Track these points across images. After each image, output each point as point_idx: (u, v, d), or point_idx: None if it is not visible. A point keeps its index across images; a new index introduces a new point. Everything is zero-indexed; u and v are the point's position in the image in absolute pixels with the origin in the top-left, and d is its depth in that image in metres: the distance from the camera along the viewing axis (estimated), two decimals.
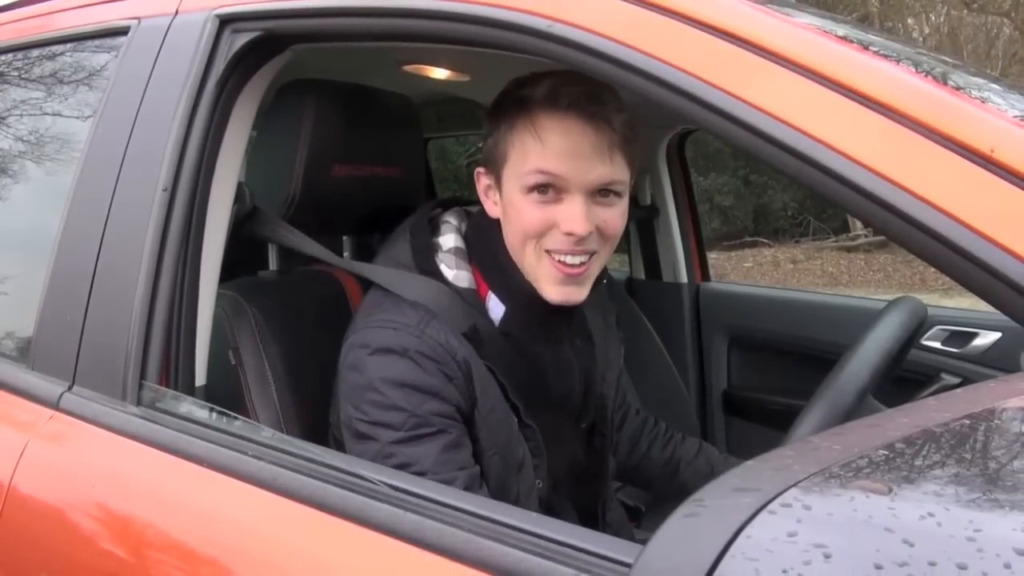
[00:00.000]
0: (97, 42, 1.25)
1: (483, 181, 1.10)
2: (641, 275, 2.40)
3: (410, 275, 1.07)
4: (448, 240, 1.10)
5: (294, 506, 0.81)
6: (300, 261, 1.28)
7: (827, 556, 0.40)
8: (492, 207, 1.09)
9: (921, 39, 11.64)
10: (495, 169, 1.06)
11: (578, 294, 1.04)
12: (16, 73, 1.40)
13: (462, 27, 0.92)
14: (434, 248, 1.09)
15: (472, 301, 1.06)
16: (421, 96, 1.93)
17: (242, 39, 1.05)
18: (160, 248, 1.01)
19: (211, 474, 0.88)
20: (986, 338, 1.81)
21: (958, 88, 0.76)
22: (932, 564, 0.39)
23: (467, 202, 1.21)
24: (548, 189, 1.00)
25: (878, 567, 0.39)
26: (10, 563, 1.00)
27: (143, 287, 1.00)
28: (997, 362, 1.76)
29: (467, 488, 0.95)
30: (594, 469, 1.23)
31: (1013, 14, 11.27)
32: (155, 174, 1.03)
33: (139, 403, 0.98)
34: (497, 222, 1.08)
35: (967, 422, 0.52)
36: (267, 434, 0.93)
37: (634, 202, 1.11)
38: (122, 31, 1.18)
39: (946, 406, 0.56)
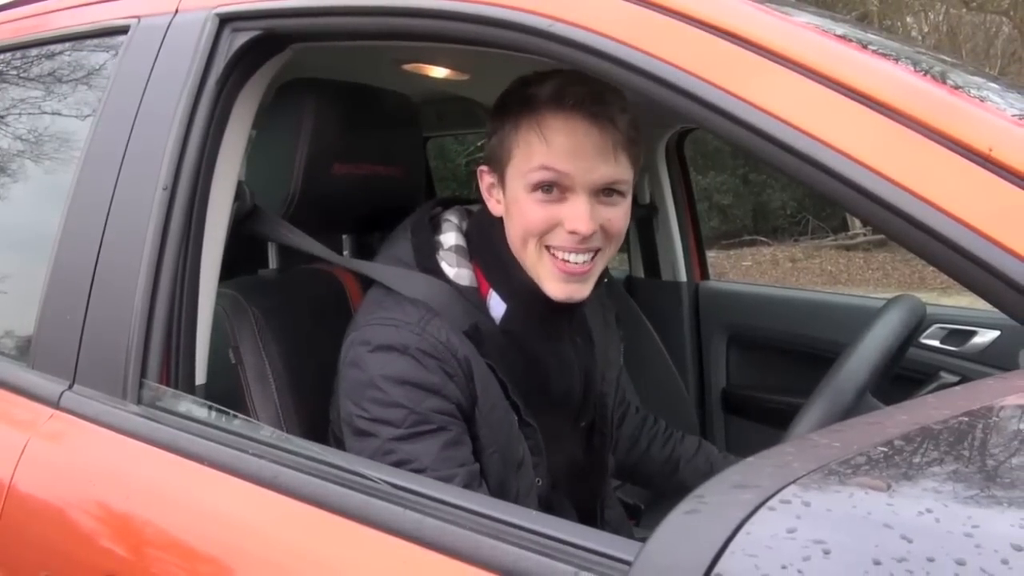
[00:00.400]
0: (97, 41, 1.25)
1: (486, 179, 1.10)
2: (640, 274, 2.40)
3: (411, 273, 1.07)
4: (449, 238, 1.10)
5: (294, 504, 0.82)
6: (300, 260, 1.28)
7: (826, 552, 0.40)
8: (495, 205, 1.09)
9: (920, 38, 11.64)
10: (499, 167, 1.06)
11: (581, 291, 1.04)
12: (16, 72, 1.40)
13: (462, 26, 0.92)
14: (435, 246, 1.10)
15: (473, 299, 1.06)
16: (421, 95, 1.93)
17: (242, 38, 1.05)
18: (160, 247, 1.01)
19: (211, 472, 0.88)
20: (985, 336, 1.81)
21: (957, 87, 0.76)
22: (930, 560, 0.39)
23: (468, 200, 1.21)
24: (552, 188, 1.00)
25: (877, 563, 0.39)
26: (10, 562, 1.01)
27: (143, 286, 1.00)
28: (996, 360, 1.76)
29: (466, 486, 0.95)
30: (593, 467, 1.23)
31: (1012, 13, 11.27)
32: (155, 173, 1.03)
33: (139, 402, 0.98)
34: (499, 220, 1.08)
35: (965, 419, 0.52)
36: (267, 432, 0.93)
37: (633, 201, 1.11)
38: (122, 30, 1.18)
39: (945, 404, 0.57)
